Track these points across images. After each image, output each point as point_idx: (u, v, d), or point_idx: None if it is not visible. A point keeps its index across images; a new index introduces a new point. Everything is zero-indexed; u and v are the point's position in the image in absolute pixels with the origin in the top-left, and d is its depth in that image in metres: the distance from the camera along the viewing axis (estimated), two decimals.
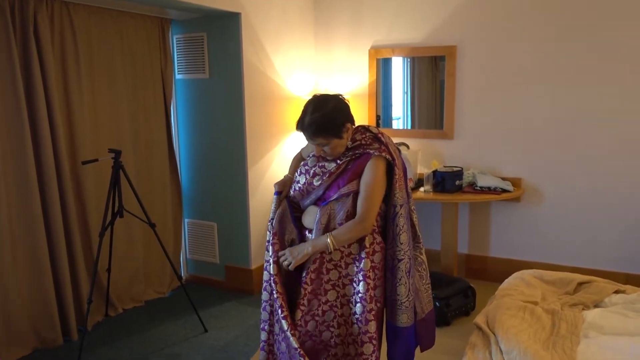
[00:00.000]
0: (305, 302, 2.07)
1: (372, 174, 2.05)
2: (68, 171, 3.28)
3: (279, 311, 2.08)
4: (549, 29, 3.78)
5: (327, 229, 2.08)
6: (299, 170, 2.22)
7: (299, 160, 2.39)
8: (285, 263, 2.08)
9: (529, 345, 2.14)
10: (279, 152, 4.22)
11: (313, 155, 2.20)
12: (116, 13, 3.55)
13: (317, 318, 2.11)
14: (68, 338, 3.33)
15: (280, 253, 2.12)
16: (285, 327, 2.05)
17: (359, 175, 2.08)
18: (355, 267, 2.10)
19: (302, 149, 2.42)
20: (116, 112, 3.60)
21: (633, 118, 3.64)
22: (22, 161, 3.04)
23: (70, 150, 3.33)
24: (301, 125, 2.05)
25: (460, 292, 3.54)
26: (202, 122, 4.07)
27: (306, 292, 2.07)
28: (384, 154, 2.07)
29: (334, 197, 2.08)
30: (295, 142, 4.33)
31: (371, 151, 2.07)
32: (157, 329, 3.51)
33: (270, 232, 2.24)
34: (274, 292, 2.10)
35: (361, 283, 2.09)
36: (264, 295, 2.21)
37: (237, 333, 3.44)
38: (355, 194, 2.08)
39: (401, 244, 2.10)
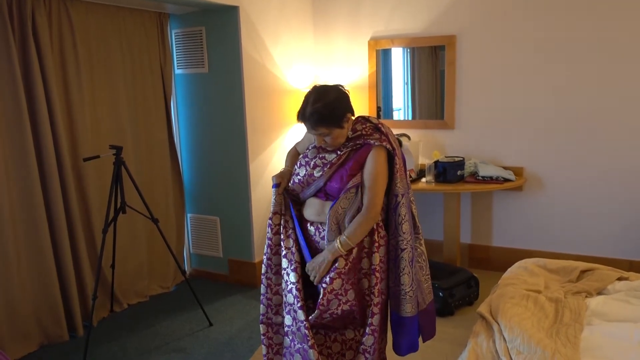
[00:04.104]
0: (325, 301, 2.08)
1: (374, 164, 2.06)
2: (70, 168, 3.28)
3: (295, 301, 2.11)
4: (550, 18, 3.75)
5: (339, 228, 2.10)
6: (298, 163, 2.22)
7: (294, 155, 2.39)
8: (316, 280, 2.10)
9: (532, 333, 2.15)
10: (279, 145, 4.22)
11: (313, 147, 2.19)
12: (114, 9, 3.54)
13: (334, 316, 2.13)
14: (74, 334, 3.35)
15: (307, 270, 2.14)
16: (302, 317, 2.08)
17: (361, 166, 2.08)
18: (368, 262, 2.12)
19: (297, 144, 2.42)
20: (116, 109, 3.60)
21: (635, 106, 3.63)
22: (23, 159, 3.04)
23: (71, 147, 3.33)
24: (302, 115, 2.05)
25: (463, 282, 3.55)
26: (203, 116, 4.06)
27: (326, 291, 2.08)
28: (384, 143, 2.07)
29: (339, 193, 2.08)
30: (296, 135, 4.32)
31: (372, 141, 2.07)
32: (162, 323, 3.53)
33: (270, 228, 2.24)
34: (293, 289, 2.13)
35: (371, 277, 2.12)
36: (262, 289, 2.29)
37: (242, 326, 3.46)
38: (360, 187, 2.09)
39: (403, 233, 2.11)
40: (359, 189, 2.08)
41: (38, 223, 3.12)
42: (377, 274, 2.10)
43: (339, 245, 2.05)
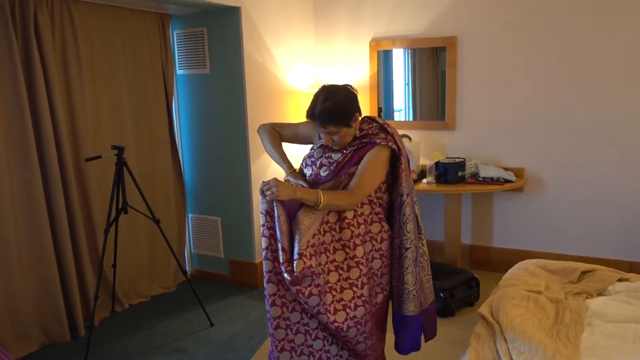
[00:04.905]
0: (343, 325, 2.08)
1: (371, 158, 2.09)
2: (72, 168, 3.29)
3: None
4: (550, 18, 3.76)
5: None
6: (304, 163, 2.23)
7: (276, 138, 2.34)
8: (268, 193, 1.97)
9: (533, 334, 2.15)
10: None
11: (319, 147, 2.21)
12: (116, 9, 3.55)
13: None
14: (75, 334, 3.36)
15: (265, 182, 2.00)
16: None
17: (360, 161, 2.11)
18: (364, 249, 2.12)
19: (281, 128, 2.37)
20: (118, 109, 3.61)
21: (636, 106, 3.63)
22: (25, 160, 3.05)
23: (73, 147, 3.34)
24: (312, 113, 2.06)
25: (464, 282, 3.55)
26: (204, 117, 4.07)
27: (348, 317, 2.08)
28: (390, 143, 2.10)
29: (331, 178, 2.09)
30: None
31: (378, 140, 2.10)
32: (163, 323, 3.54)
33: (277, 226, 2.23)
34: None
35: (376, 261, 2.14)
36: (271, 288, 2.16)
37: (243, 326, 3.46)
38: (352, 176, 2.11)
39: (408, 232, 2.13)
40: (351, 178, 2.10)
41: (40, 223, 3.12)
42: (361, 266, 2.09)
43: (322, 196, 1.99)
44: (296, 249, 1.99)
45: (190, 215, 4.32)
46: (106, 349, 3.23)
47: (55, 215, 3.20)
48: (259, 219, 4.02)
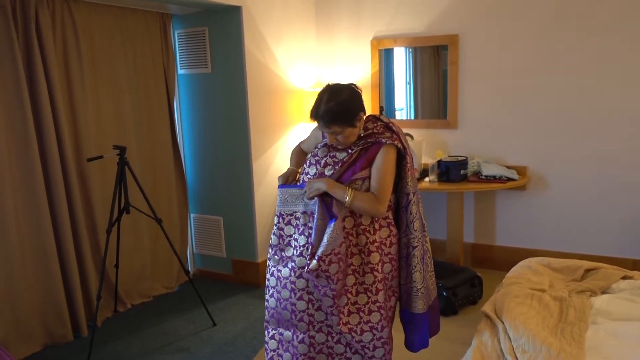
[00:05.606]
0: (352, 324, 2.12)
1: (383, 161, 2.07)
2: (73, 169, 3.29)
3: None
4: (552, 17, 3.75)
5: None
6: (307, 162, 2.22)
7: (299, 153, 2.39)
8: (309, 195, 2.09)
9: (537, 332, 2.15)
10: (282, 145, 4.22)
11: (323, 146, 2.20)
12: (117, 9, 3.55)
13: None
14: (78, 334, 3.36)
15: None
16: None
17: (370, 163, 2.09)
18: (379, 255, 2.11)
19: (302, 142, 2.42)
20: (120, 109, 3.61)
21: (638, 103, 3.62)
22: (27, 160, 3.05)
23: (75, 147, 3.34)
24: (315, 113, 2.05)
25: (467, 281, 3.55)
26: (206, 116, 4.07)
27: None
28: (395, 142, 2.08)
29: (345, 182, 2.08)
30: (299, 134, 4.32)
31: (383, 140, 2.08)
32: (165, 323, 3.54)
33: (276, 225, 2.24)
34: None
35: (386, 265, 2.14)
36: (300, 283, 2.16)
37: (245, 326, 3.46)
38: (367, 181, 2.10)
39: (415, 231, 2.13)
40: (364, 182, 2.09)
41: (42, 223, 3.12)
42: (376, 273, 2.09)
43: (349, 191, 2.03)
44: (320, 251, 2.00)
45: (192, 215, 4.32)
46: (109, 348, 3.23)
47: (58, 216, 3.20)
48: (261, 218, 4.03)
